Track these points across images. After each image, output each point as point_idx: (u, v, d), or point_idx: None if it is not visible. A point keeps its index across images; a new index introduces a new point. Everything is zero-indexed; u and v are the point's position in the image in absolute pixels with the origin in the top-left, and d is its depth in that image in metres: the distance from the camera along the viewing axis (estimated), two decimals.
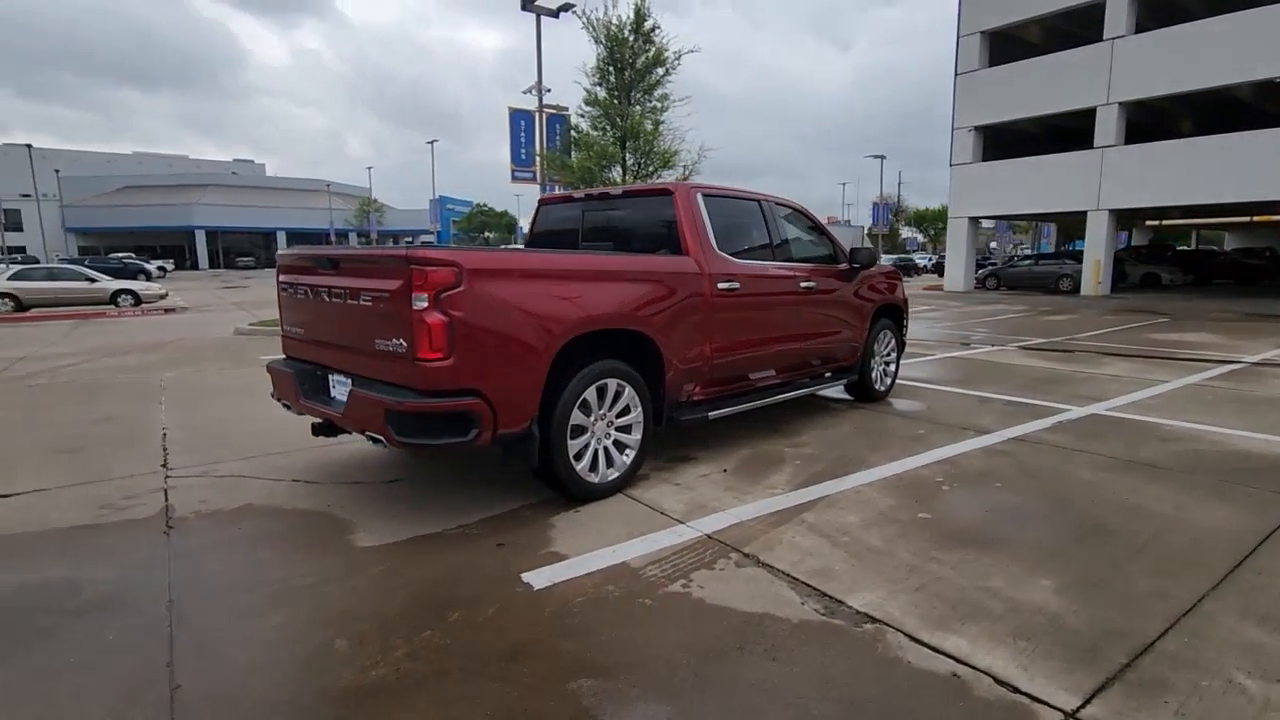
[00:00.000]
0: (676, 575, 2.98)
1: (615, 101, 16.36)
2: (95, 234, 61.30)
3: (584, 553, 3.21)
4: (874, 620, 2.60)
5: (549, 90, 16.65)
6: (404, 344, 3.19)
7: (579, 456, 3.78)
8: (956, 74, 24.56)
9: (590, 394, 3.76)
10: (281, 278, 4.16)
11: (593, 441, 3.87)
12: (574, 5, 15.71)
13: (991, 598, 2.76)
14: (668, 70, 16.35)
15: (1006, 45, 23.82)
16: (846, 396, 6.57)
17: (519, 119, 17.65)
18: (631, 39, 16.00)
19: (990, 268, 27.28)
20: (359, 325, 3.48)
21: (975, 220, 26.03)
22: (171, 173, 70.64)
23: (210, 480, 4.32)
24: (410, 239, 57.40)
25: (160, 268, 42.94)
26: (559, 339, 3.52)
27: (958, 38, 24.56)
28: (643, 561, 3.12)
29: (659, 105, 16.54)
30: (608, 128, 16.33)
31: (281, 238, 62.29)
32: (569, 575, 2.99)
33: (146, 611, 2.72)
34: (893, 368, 6.72)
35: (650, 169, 16.43)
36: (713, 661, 2.36)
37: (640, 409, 4.05)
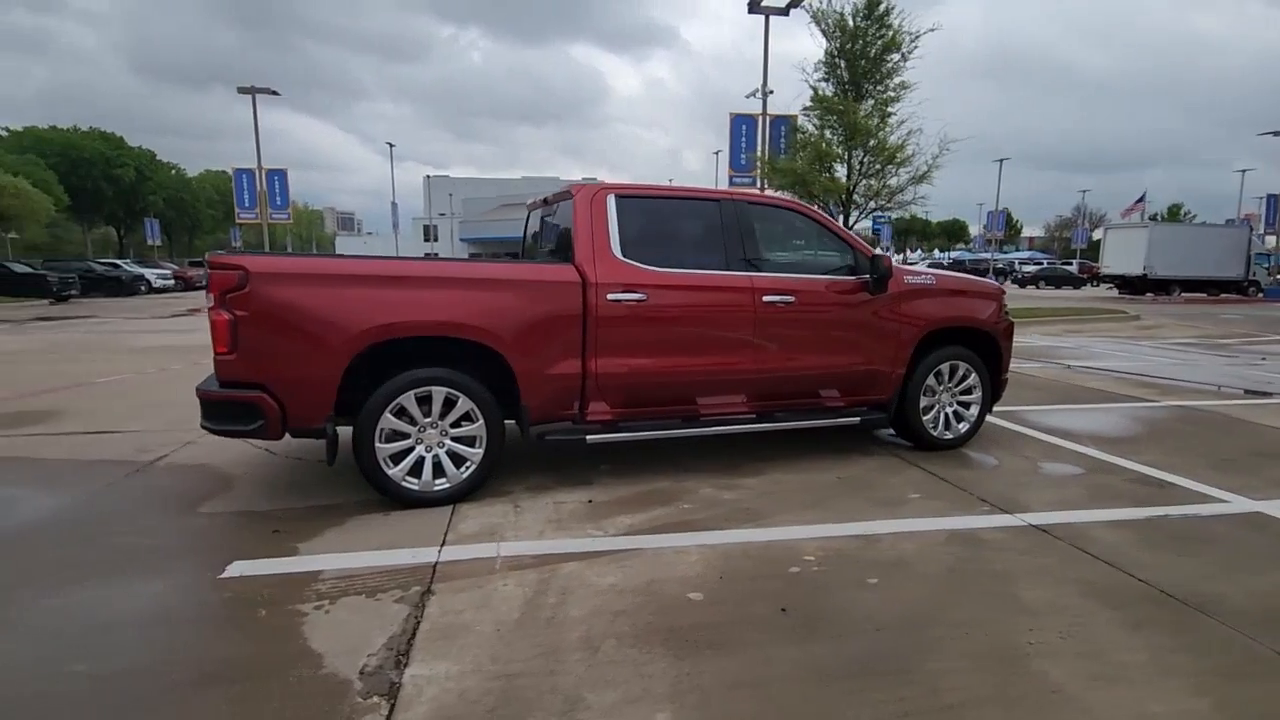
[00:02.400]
0: (335, 594, 2.85)
1: (843, 96, 15.15)
2: (480, 243, 76.96)
3: (316, 553, 3.25)
4: (387, 696, 2.19)
5: (772, 92, 16.06)
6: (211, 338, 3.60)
7: (398, 461, 3.79)
8: None
9: (408, 401, 3.74)
10: None
11: (420, 449, 3.83)
12: (803, 0, 14.93)
13: (567, 712, 2.11)
14: (904, 55, 14.62)
15: None
16: (904, 441, 5.27)
17: (740, 123, 17.31)
18: (863, 25, 14.64)
19: None
20: None
21: None
22: (539, 191, 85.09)
23: (226, 442, 5.30)
24: None
25: None
26: (355, 342, 3.58)
27: None
28: (338, 575, 3.04)
29: (894, 95, 14.85)
30: (836, 125, 15.15)
31: None
32: (262, 571, 3.07)
33: (12, 527, 3.56)
34: (971, 411, 5.16)
35: (876, 167, 14.89)
36: (183, 687, 2.24)
37: (483, 421, 3.88)
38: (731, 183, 17.58)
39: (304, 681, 2.27)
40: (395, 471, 3.77)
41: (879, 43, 14.72)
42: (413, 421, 3.79)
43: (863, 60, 14.93)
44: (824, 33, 14.99)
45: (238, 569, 3.09)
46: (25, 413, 6.24)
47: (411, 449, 3.81)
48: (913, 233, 74.75)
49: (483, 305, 3.83)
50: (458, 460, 3.90)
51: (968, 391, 5.15)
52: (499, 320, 3.85)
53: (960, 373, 5.08)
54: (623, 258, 4.16)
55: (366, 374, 3.73)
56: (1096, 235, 65.42)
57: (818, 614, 2.72)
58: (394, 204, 37.58)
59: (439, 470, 3.86)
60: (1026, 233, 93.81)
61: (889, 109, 14.84)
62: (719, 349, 4.39)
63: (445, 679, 2.27)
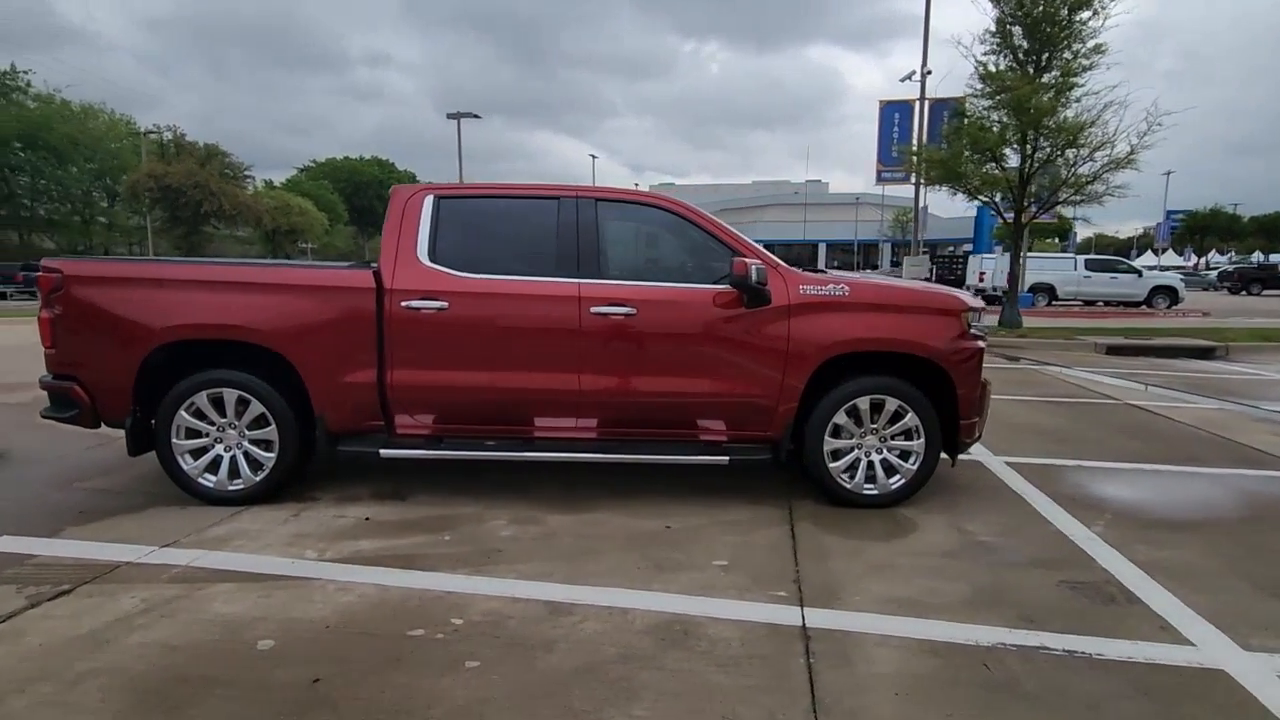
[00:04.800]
0: None
1: (1021, 71, 12.79)
2: None
3: (66, 538, 3.46)
4: None
5: (930, 73, 13.87)
6: None
7: (199, 457, 3.91)
8: None
9: (202, 400, 3.84)
10: None
11: (219, 448, 3.92)
12: None
13: None
14: (1098, 12, 11.95)
15: None
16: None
17: (891, 112, 15.11)
18: None
19: None
20: None
21: None
22: (756, 195, 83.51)
23: None
24: (952, 249, 55.23)
25: None
26: (146, 341, 3.75)
27: None
28: (40, 563, 3.17)
29: (1085, 63, 12.21)
30: (1008, 105, 12.80)
31: (822, 249, 67.73)
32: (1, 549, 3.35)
33: None
34: (910, 464, 3.95)
35: (1054, 153, 12.38)
36: None
37: (275, 426, 3.86)
38: (880, 179, 15.60)
39: None
40: (192, 467, 3.90)
41: (1067, 1, 12.13)
42: (209, 421, 3.89)
43: (1046, 25, 12.41)
44: None
45: None
46: None
47: (208, 448, 3.92)
48: (1213, 230, 60.68)
49: (268, 309, 3.80)
50: (256, 463, 3.93)
51: (907, 436, 3.95)
52: (283, 325, 3.79)
53: (891, 411, 3.92)
54: (428, 263, 3.86)
55: (181, 372, 3.90)
56: None
57: (345, 695, 2.24)
58: None
59: (234, 471, 3.92)
60: None
61: (1076, 79, 12.18)
62: (541, 365, 3.87)
63: None
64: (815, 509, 3.97)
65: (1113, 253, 58.39)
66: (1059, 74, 12.40)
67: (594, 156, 40.20)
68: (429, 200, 3.96)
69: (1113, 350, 12.12)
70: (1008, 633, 2.63)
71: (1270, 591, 2.99)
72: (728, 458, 3.91)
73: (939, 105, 14.85)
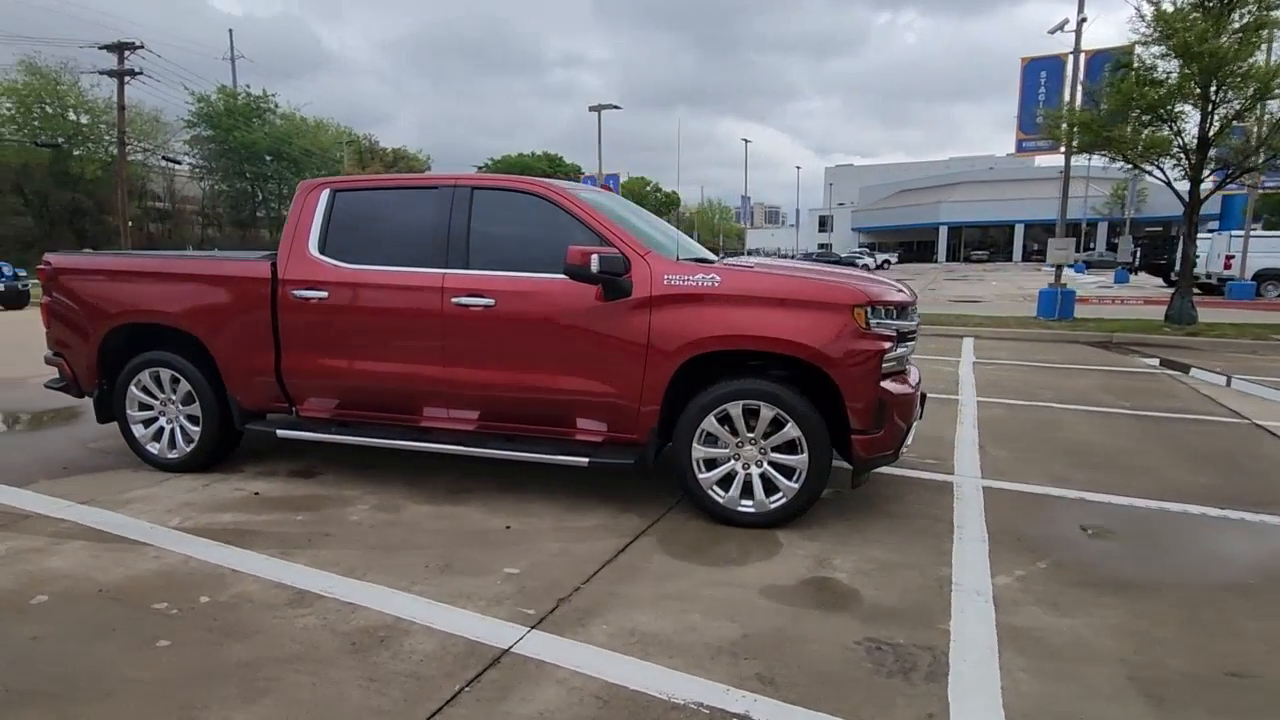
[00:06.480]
0: None
1: (1200, 9, 10.51)
2: (872, 233, 73.69)
3: (34, 490, 4.07)
4: None
5: (1084, 19, 11.48)
6: None
7: (148, 428, 4.43)
8: None
9: (145, 377, 4.34)
10: None
11: (162, 421, 4.41)
12: None
13: None
14: None
15: None
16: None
17: (1035, 71, 12.63)
18: None
19: None
20: None
21: None
22: (944, 173, 76.18)
23: None
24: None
25: (884, 261, 50.37)
26: (105, 324, 4.31)
27: None
28: None
29: None
30: (1177, 54, 10.57)
31: (1019, 230, 60.45)
32: None
33: None
34: (793, 481, 3.43)
35: (1245, 108, 10.08)
36: None
37: (199, 403, 4.26)
38: (1019, 148, 13.30)
39: None
40: (143, 435, 4.43)
41: None
42: (152, 395, 4.39)
43: None
44: None
45: None
46: None
47: (154, 419, 4.43)
48: None
49: (185, 298, 4.19)
50: (189, 436, 4.37)
51: (790, 449, 3.44)
52: (197, 311, 4.16)
53: (769, 419, 3.42)
54: (316, 254, 4.03)
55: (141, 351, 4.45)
56: None
57: (39, 655, 2.43)
58: (745, 197, 39.06)
59: (172, 442, 4.40)
60: None
61: (1277, 12, 9.67)
62: (410, 355, 3.89)
63: None
64: (682, 524, 3.59)
65: None
66: (1254, 6, 9.92)
67: (747, 141, 39.42)
68: (325, 194, 4.13)
69: None
70: (724, 691, 2.20)
71: (1148, 692, 2.20)
72: (587, 460, 3.66)
73: (1097, 58, 12.37)
